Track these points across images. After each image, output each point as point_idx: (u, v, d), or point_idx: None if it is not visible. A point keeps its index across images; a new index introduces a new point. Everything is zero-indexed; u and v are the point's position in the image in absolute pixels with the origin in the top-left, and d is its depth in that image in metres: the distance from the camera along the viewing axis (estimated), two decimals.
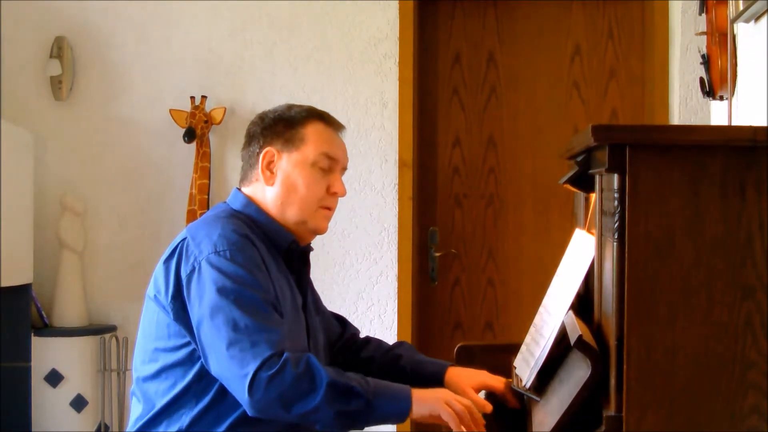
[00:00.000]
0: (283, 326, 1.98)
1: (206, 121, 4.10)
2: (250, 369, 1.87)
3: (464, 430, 1.96)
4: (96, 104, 4.24)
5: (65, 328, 4.07)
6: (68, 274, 4.10)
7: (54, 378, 4.00)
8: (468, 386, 2.18)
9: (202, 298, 1.95)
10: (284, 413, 1.90)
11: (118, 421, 4.12)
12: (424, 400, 1.97)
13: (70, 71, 4.20)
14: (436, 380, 2.22)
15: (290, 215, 2.14)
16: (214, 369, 1.95)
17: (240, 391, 1.89)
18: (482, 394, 2.24)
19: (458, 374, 2.24)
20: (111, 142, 4.23)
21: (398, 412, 1.96)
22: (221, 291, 1.94)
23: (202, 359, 1.98)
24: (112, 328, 4.16)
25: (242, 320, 1.91)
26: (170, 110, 4.14)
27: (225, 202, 2.21)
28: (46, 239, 4.14)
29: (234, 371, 1.89)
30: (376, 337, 2.48)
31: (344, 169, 2.21)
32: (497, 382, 2.21)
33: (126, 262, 4.20)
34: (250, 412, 1.91)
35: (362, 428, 1.99)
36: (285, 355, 1.89)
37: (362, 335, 2.48)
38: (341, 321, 2.46)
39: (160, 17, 4.21)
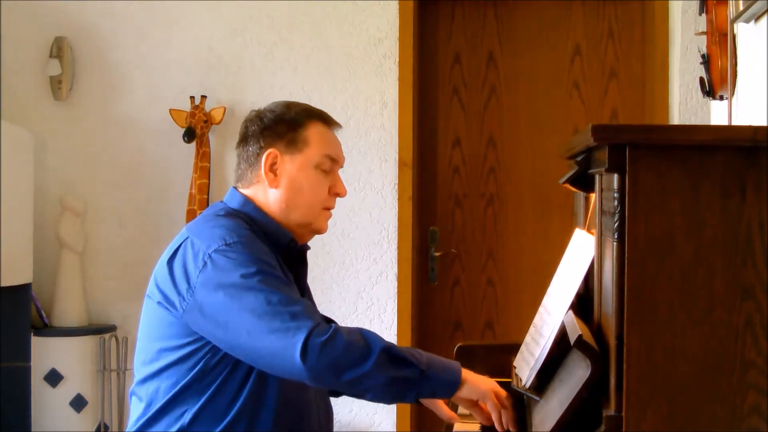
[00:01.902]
0: (305, 301, 1.99)
1: (206, 121, 4.10)
2: (299, 337, 1.86)
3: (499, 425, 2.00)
4: (96, 104, 4.24)
5: (65, 327, 4.07)
6: (68, 274, 4.10)
7: (54, 378, 4.01)
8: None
9: (226, 286, 1.94)
10: (336, 379, 1.89)
11: (118, 421, 4.12)
12: (475, 383, 2.01)
13: (69, 71, 4.20)
14: None
15: (294, 217, 2.14)
16: (251, 351, 1.93)
17: (289, 360, 1.86)
18: None
19: None
20: (111, 142, 4.23)
21: (449, 385, 1.98)
22: (245, 275, 1.93)
23: (207, 356, 1.99)
24: (111, 328, 4.17)
25: (274, 296, 1.91)
26: (170, 110, 4.14)
27: (222, 201, 2.20)
28: (46, 239, 4.15)
29: (280, 343, 1.87)
30: None
31: (341, 167, 2.22)
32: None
33: (126, 261, 4.20)
34: (299, 379, 1.90)
35: (412, 400, 1.97)
36: (333, 324, 1.91)
37: None
38: (329, 323, 2.45)
39: (160, 17, 4.22)
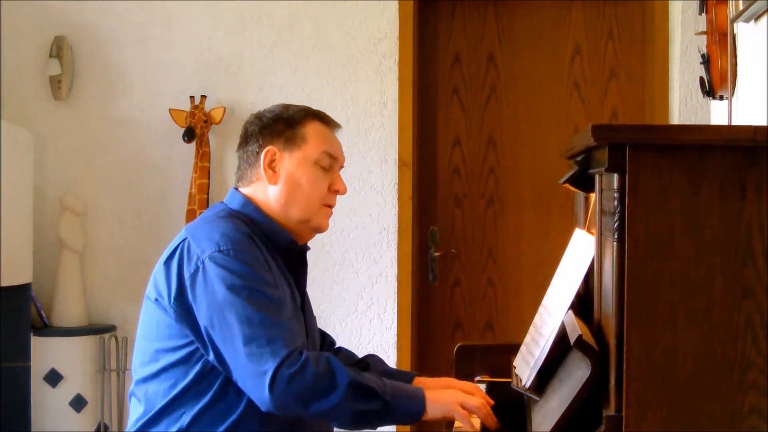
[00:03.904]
0: (293, 321, 2.00)
1: (206, 121, 4.10)
2: (270, 366, 1.87)
3: (477, 429, 2.00)
4: (96, 104, 4.24)
5: (65, 328, 4.07)
6: (68, 274, 4.10)
7: (53, 378, 4.00)
8: None
9: (211, 297, 1.95)
10: (302, 410, 1.91)
11: (118, 421, 4.12)
12: (438, 402, 2.02)
13: (69, 71, 4.20)
14: None
15: (293, 214, 2.14)
16: (229, 367, 1.95)
17: (259, 389, 1.89)
18: (483, 388, 2.26)
19: (424, 383, 2.25)
20: (111, 142, 4.23)
21: (413, 413, 1.99)
22: (231, 288, 1.94)
23: (207, 358, 1.99)
24: (111, 328, 4.17)
25: (255, 316, 1.92)
26: (170, 110, 4.14)
27: (222, 202, 2.21)
28: (46, 239, 4.15)
29: (252, 368, 1.89)
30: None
31: (342, 167, 2.23)
32: (466, 387, 2.22)
33: (126, 262, 4.20)
34: (265, 408, 1.91)
35: (376, 428, 2.01)
36: (304, 353, 1.90)
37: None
38: (320, 333, 2.45)
39: (160, 17, 4.22)
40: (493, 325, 4.28)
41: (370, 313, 4.14)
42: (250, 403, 2.00)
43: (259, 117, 2.20)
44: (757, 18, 2.83)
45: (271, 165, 2.15)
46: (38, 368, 3.98)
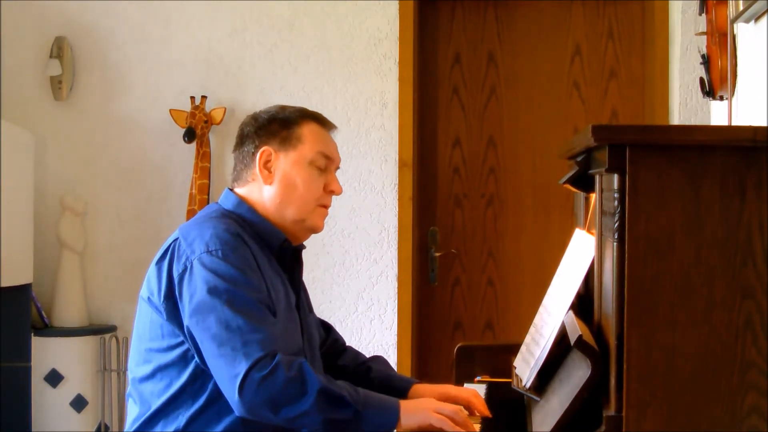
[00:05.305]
0: (275, 327, 1.98)
1: (206, 121, 4.10)
2: (241, 369, 1.87)
3: (460, 430, 1.97)
4: (96, 104, 4.24)
5: (65, 328, 4.07)
6: (68, 274, 4.10)
7: (54, 378, 4.01)
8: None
9: (194, 298, 1.95)
10: (272, 415, 1.89)
11: (118, 421, 4.12)
12: (412, 411, 1.99)
13: (70, 71, 4.20)
14: (400, 395, 2.22)
15: (288, 214, 2.14)
16: (209, 367, 1.95)
17: (230, 391, 1.89)
18: (482, 391, 2.25)
19: (423, 389, 2.25)
20: (111, 142, 4.23)
21: (386, 423, 1.97)
22: (213, 291, 1.94)
23: (196, 358, 1.99)
24: (112, 328, 4.17)
25: (234, 320, 1.91)
26: (170, 110, 4.14)
27: (216, 203, 2.21)
28: (46, 239, 4.15)
29: (225, 371, 1.89)
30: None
31: (338, 168, 2.23)
32: (464, 392, 2.22)
33: (126, 262, 4.20)
34: (238, 412, 1.91)
35: None
36: (277, 357, 1.89)
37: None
38: (327, 327, 2.45)
39: (160, 17, 4.22)
40: (493, 325, 4.28)
41: (370, 313, 4.14)
42: None
43: (255, 118, 2.20)
44: (757, 18, 2.83)
45: (266, 165, 2.15)
46: (39, 368, 3.98)
